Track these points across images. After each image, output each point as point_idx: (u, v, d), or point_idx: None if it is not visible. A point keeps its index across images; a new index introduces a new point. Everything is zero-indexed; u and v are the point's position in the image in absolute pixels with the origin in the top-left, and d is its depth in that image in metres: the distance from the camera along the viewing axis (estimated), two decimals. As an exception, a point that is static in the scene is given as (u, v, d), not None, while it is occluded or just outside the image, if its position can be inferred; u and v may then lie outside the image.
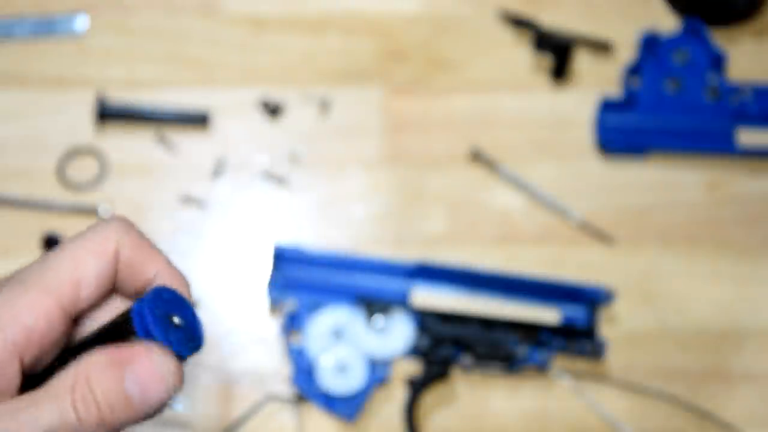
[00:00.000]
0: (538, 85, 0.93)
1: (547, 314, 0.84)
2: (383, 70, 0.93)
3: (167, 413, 0.83)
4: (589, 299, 0.84)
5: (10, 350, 0.43)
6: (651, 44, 0.92)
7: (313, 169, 0.91)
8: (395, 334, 0.84)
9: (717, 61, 0.91)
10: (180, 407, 0.83)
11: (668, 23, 0.95)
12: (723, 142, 0.90)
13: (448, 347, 0.84)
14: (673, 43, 0.92)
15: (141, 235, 0.47)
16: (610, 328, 0.86)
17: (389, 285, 0.85)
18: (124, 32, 0.94)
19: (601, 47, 0.94)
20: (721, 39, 0.93)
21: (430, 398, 0.84)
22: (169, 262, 0.47)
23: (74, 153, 0.90)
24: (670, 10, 0.95)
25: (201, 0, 0.95)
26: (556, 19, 0.95)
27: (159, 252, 0.47)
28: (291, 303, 0.85)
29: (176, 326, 0.44)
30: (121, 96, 0.91)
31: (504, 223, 0.89)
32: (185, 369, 0.45)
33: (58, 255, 0.45)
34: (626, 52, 0.94)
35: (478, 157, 0.91)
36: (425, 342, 0.84)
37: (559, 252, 0.89)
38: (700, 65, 0.91)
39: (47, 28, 0.93)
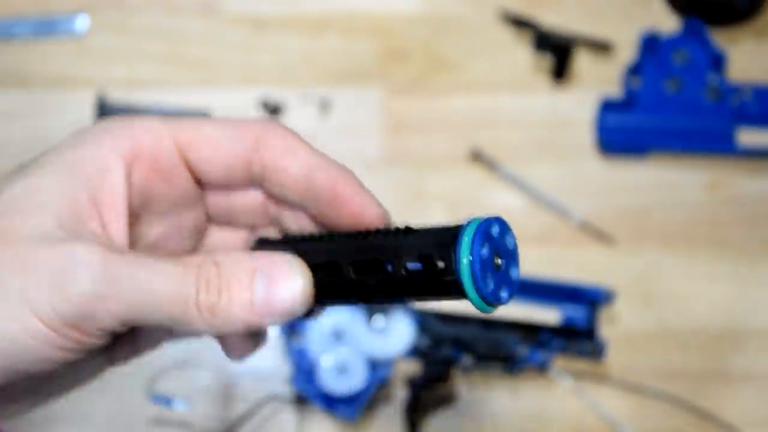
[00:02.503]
0: (538, 85, 0.93)
1: (547, 314, 0.84)
2: (383, 70, 0.93)
3: (167, 413, 0.83)
4: (589, 299, 0.84)
5: (116, 155, 0.41)
6: (651, 44, 0.92)
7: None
8: (395, 335, 0.84)
9: (717, 61, 0.91)
10: (180, 407, 0.83)
11: (668, 23, 0.95)
12: (723, 142, 0.90)
13: (448, 347, 0.84)
14: (673, 43, 0.92)
15: (294, 138, 0.44)
16: (610, 328, 0.86)
17: (389, 285, 0.85)
18: (124, 32, 0.94)
19: (601, 47, 0.94)
20: (721, 39, 0.93)
21: (430, 398, 0.84)
22: (328, 159, 0.44)
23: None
24: (670, 10, 0.95)
25: (201, 0, 0.95)
26: (556, 19, 0.95)
27: (314, 148, 0.44)
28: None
29: (496, 267, 0.39)
30: (122, 96, 0.91)
31: (504, 223, 0.89)
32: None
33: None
34: (626, 52, 0.94)
35: (478, 157, 0.91)
36: (425, 342, 0.84)
37: (559, 252, 0.89)
38: (700, 65, 0.91)
39: (48, 28, 0.93)
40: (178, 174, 0.44)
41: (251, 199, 0.47)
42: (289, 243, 0.45)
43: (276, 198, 0.46)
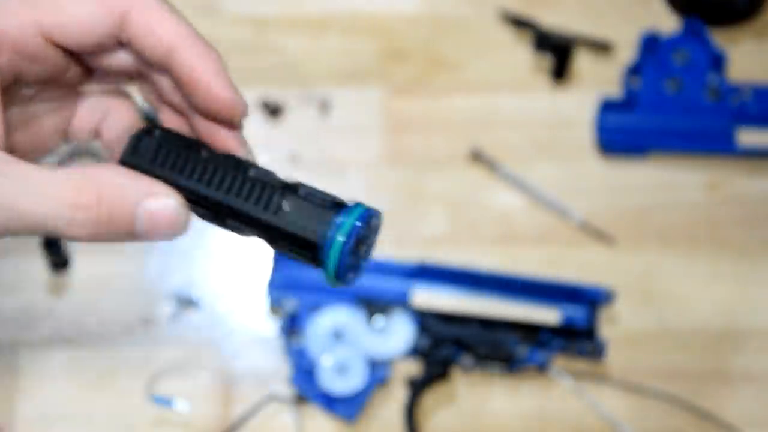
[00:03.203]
0: (538, 85, 0.93)
1: (547, 314, 0.84)
2: (383, 70, 0.93)
3: (168, 413, 0.83)
4: (589, 299, 0.84)
5: None
6: (651, 44, 0.92)
7: (313, 169, 0.91)
8: (395, 335, 0.84)
9: (717, 61, 0.91)
10: (180, 407, 0.83)
11: (668, 23, 0.95)
12: (723, 142, 0.90)
13: (448, 347, 0.84)
14: (673, 43, 0.92)
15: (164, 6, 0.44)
16: (610, 328, 0.86)
17: (389, 285, 0.85)
18: (125, 32, 0.94)
19: (601, 47, 0.94)
20: (721, 39, 0.93)
21: (430, 398, 0.84)
22: (193, 37, 0.44)
23: (74, 153, 0.90)
24: (670, 10, 0.95)
25: (201, 0, 0.95)
26: (556, 19, 0.95)
27: (182, 24, 0.44)
28: (291, 303, 0.85)
29: (357, 253, 0.42)
30: (122, 96, 0.91)
31: (504, 223, 0.89)
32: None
33: None
34: (626, 52, 0.94)
35: (478, 157, 0.91)
36: (425, 342, 0.84)
37: (559, 252, 0.89)
38: (700, 65, 0.91)
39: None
40: (44, 53, 0.44)
41: (122, 60, 0.47)
42: (171, 162, 0.45)
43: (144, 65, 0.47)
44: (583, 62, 0.94)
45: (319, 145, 0.91)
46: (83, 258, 0.87)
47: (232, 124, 0.46)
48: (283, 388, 0.84)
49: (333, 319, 0.84)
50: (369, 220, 0.43)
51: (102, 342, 0.85)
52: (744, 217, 0.90)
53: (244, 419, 0.83)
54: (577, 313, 0.84)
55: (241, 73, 0.93)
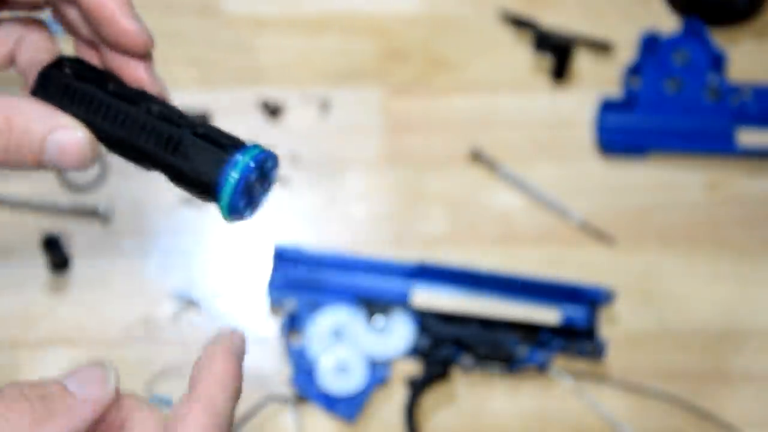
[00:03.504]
0: (538, 85, 0.93)
1: (547, 314, 0.84)
2: (383, 70, 0.93)
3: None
4: (589, 299, 0.84)
5: None
6: (651, 44, 0.92)
7: (313, 169, 0.90)
8: (395, 335, 0.84)
9: (717, 61, 0.91)
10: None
11: (668, 23, 0.95)
12: (723, 142, 0.90)
13: (448, 347, 0.84)
14: (673, 43, 0.92)
15: None
16: (610, 328, 0.86)
17: (389, 285, 0.85)
18: (124, 32, 0.94)
19: (601, 47, 0.94)
20: (721, 39, 0.93)
21: (430, 398, 0.84)
22: None
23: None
24: (670, 10, 0.95)
25: (201, 0, 0.95)
26: (556, 19, 0.95)
27: None
28: (291, 303, 0.85)
29: (253, 191, 0.44)
30: (121, 96, 0.91)
31: (504, 223, 0.89)
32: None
33: None
34: (626, 52, 0.94)
35: (478, 157, 0.91)
36: (425, 342, 0.84)
37: (559, 252, 0.89)
38: (700, 65, 0.91)
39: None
40: None
41: None
42: (78, 97, 0.46)
43: None
44: (583, 62, 0.94)
45: (318, 145, 0.91)
46: (83, 258, 0.87)
47: (141, 57, 0.47)
48: (283, 388, 0.84)
49: (333, 319, 0.84)
50: (263, 161, 0.44)
51: (102, 342, 0.85)
52: (744, 217, 0.90)
53: (244, 419, 0.83)
54: (577, 313, 0.84)
55: (241, 73, 0.93)
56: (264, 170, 0.44)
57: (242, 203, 0.44)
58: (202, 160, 0.44)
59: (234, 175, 0.43)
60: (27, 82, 0.48)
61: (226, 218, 0.44)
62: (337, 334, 0.84)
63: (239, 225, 0.46)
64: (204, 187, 0.44)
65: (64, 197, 0.89)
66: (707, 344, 0.87)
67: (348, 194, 0.90)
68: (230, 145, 0.44)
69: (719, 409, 0.85)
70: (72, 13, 0.47)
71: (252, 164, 0.43)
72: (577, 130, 0.92)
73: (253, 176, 0.44)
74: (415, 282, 0.85)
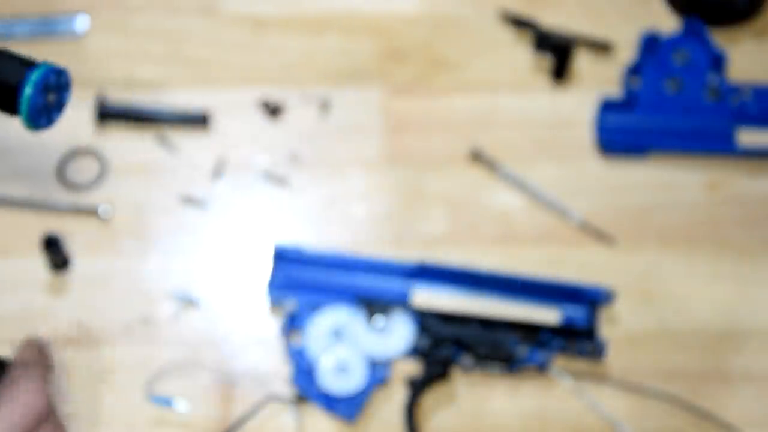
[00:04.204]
0: (538, 85, 0.93)
1: (547, 314, 0.84)
2: (383, 70, 0.93)
3: (168, 413, 0.83)
4: (589, 299, 0.84)
5: None
6: (651, 44, 0.92)
7: (313, 169, 0.91)
8: (395, 335, 0.84)
9: (717, 61, 0.91)
10: (180, 407, 0.83)
11: (668, 23, 0.95)
12: (723, 142, 0.90)
13: (448, 347, 0.84)
14: (673, 43, 0.92)
15: None
16: (610, 328, 0.86)
17: (389, 285, 0.85)
18: (124, 32, 0.94)
19: (601, 47, 0.94)
20: (721, 39, 0.93)
21: (430, 398, 0.84)
22: None
23: (74, 153, 0.90)
24: (670, 10, 0.95)
25: (201, 0, 0.95)
26: (556, 19, 0.95)
27: None
28: (291, 303, 0.85)
29: (48, 102, 0.52)
30: (122, 96, 0.91)
31: (504, 223, 0.89)
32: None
33: None
34: (626, 52, 0.94)
35: (478, 157, 0.91)
36: (425, 342, 0.84)
37: (559, 252, 0.89)
38: (700, 65, 0.91)
39: (47, 28, 0.93)
40: None
41: None
42: None
43: None
44: (583, 62, 0.94)
45: (318, 145, 0.91)
46: (83, 258, 0.87)
47: None
48: (283, 388, 0.84)
49: (333, 319, 0.84)
50: (59, 73, 0.52)
51: (102, 342, 0.85)
52: (744, 217, 0.90)
53: (244, 419, 0.83)
54: (577, 313, 0.84)
55: (241, 73, 0.93)
56: (60, 83, 0.52)
57: (41, 102, 0.51)
58: (6, 69, 0.51)
59: (34, 78, 0.51)
60: None
61: (27, 126, 0.51)
62: (337, 334, 0.84)
63: (37, 132, 0.53)
64: (8, 91, 0.51)
65: (64, 197, 0.89)
66: (707, 344, 0.87)
67: (348, 194, 0.90)
68: (27, 62, 0.52)
69: (719, 409, 0.84)
70: None
71: (50, 69, 0.51)
72: (577, 130, 0.92)
73: (51, 79, 0.51)
74: (415, 282, 0.85)
